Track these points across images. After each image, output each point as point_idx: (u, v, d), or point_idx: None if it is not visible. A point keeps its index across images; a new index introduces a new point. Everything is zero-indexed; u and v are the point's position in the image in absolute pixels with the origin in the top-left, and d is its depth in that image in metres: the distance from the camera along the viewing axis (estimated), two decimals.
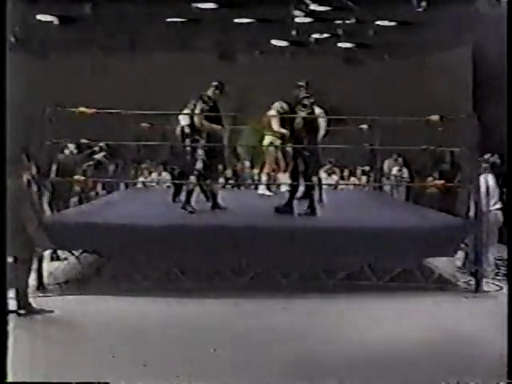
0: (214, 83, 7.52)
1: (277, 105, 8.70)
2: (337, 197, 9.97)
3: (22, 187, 6.11)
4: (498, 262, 7.78)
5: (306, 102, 7.27)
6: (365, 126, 9.82)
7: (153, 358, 4.61)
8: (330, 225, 7.11)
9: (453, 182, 8.84)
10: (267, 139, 9.18)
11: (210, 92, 7.49)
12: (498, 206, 7.69)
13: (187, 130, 8.02)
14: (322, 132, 7.86)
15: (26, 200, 5.92)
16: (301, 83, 7.37)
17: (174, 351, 4.82)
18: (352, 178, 13.22)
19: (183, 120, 8.40)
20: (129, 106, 8.61)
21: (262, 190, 9.67)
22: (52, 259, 7.67)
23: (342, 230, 6.84)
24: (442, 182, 9.06)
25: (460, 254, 7.41)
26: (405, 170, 12.91)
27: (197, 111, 7.42)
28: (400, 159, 12.74)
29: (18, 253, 5.69)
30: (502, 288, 6.88)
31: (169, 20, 11.90)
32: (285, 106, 8.40)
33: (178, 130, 8.57)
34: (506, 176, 7.89)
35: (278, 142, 9.09)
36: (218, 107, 7.57)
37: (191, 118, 7.66)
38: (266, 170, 9.47)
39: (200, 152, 7.39)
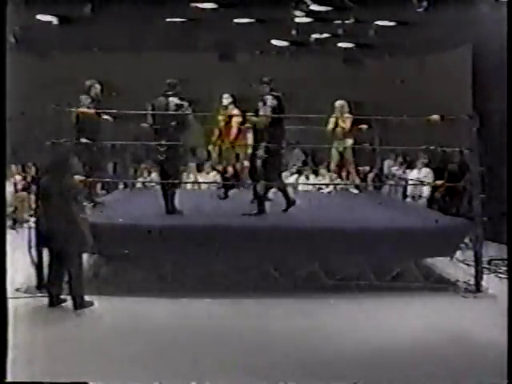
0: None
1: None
2: None
3: (76, 186, 6.19)
4: (498, 261, 7.81)
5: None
6: (364, 126, 9.81)
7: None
8: (330, 225, 7.11)
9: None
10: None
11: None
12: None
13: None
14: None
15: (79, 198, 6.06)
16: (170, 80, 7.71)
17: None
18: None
19: None
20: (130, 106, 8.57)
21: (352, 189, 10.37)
22: None
23: (341, 230, 6.84)
24: (442, 181, 9.07)
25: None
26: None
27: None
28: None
29: (71, 248, 5.76)
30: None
31: (169, 20, 11.88)
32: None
33: None
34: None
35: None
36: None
37: None
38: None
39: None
